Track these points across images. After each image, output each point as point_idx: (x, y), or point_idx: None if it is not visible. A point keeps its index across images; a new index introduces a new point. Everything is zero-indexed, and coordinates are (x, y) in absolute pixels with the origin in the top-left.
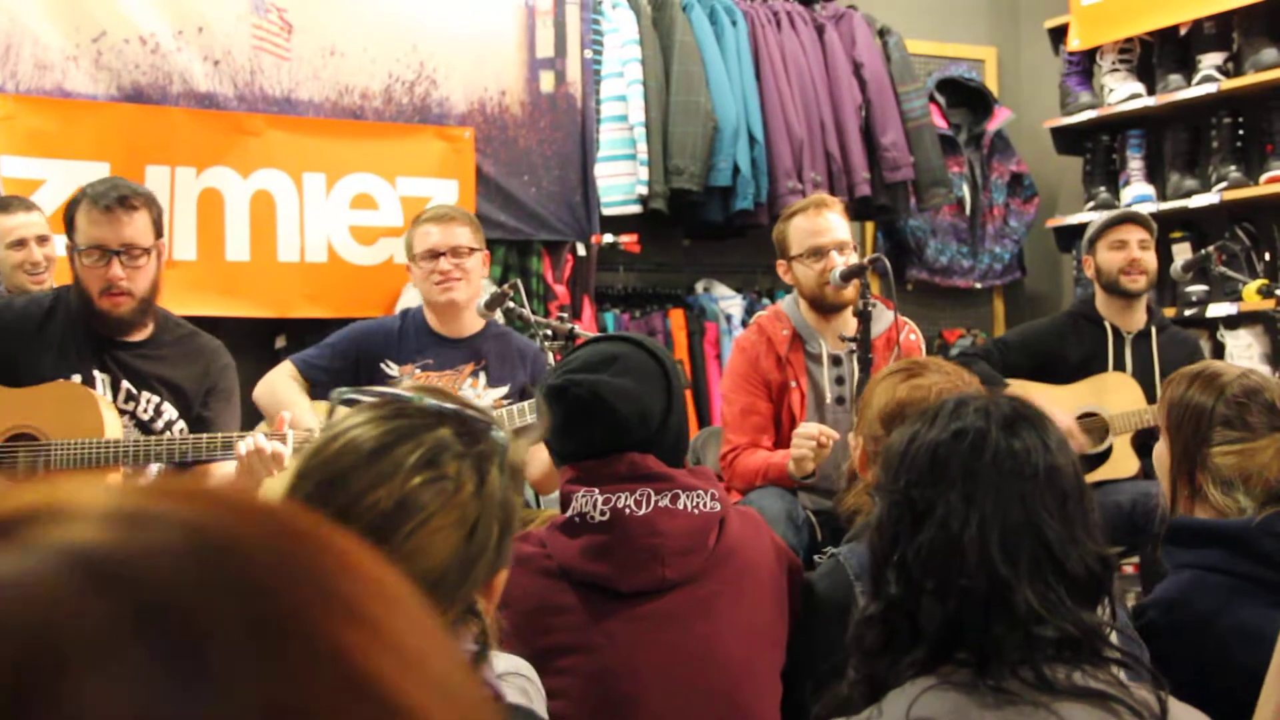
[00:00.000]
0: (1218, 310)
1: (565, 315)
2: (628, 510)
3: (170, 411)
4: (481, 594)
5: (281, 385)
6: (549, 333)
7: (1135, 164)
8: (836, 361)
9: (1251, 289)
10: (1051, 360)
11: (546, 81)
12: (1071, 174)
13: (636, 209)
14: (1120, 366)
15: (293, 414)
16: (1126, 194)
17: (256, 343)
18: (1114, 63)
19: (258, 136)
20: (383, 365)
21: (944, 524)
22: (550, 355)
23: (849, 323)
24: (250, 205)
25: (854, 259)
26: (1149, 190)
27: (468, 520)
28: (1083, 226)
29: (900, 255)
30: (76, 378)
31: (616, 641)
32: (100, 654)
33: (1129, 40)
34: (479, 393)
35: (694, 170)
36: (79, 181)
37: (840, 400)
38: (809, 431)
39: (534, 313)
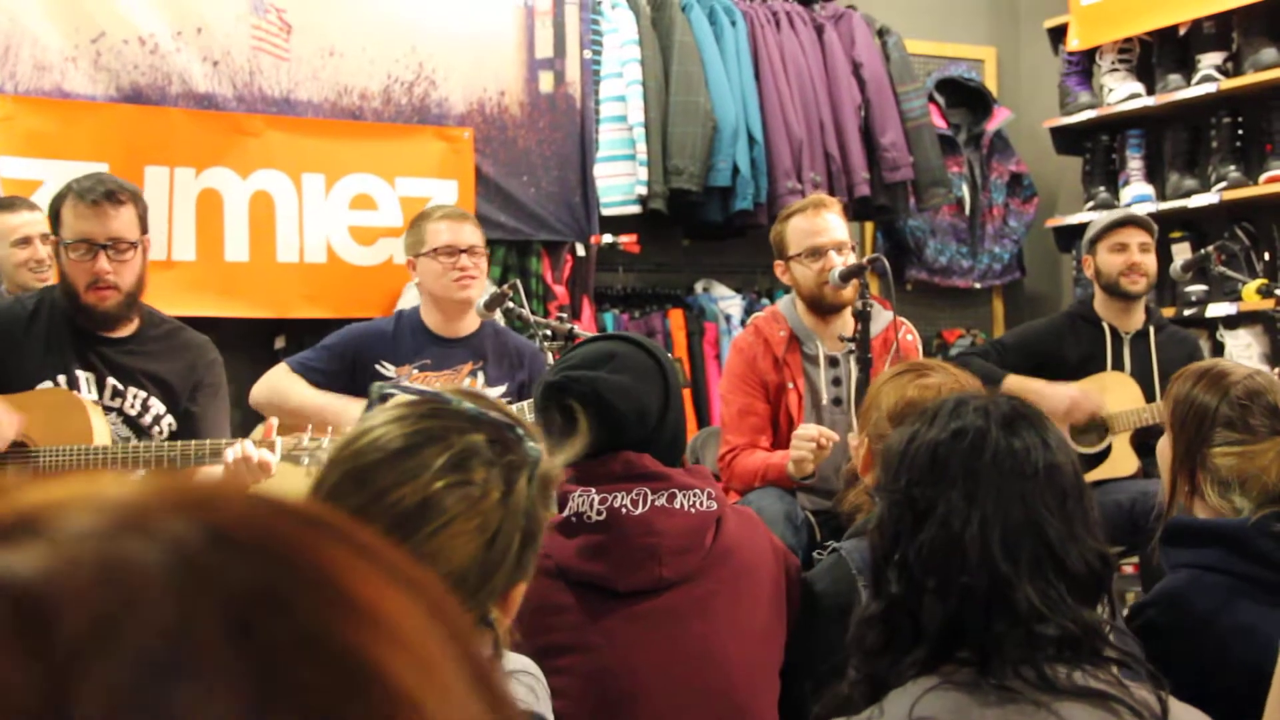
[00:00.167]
0: (1217, 310)
1: (564, 315)
2: (624, 510)
3: (158, 406)
4: (498, 605)
5: (283, 383)
6: (548, 333)
7: (1135, 164)
8: (833, 363)
9: (1251, 289)
10: (1050, 360)
11: (546, 82)
12: (1071, 174)
13: (636, 209)
14: (1119, 367)
15: (296, 403)
16: (1126, 194)
17: (255, 343)
18: (1113, 62)
19: (257, 137)
20: (379, 366)
21: (945, 522)
22: (549, 355)
23: (847, 324)
24: (249, 206)
25: (853, 259)
26: (1148, 190)
27: (489, 527)
28: (1082, 227)
29: (899, 255)
30: (61, 376)
31: (614, 641)
32: (106, 649)
33: (1128, 40)
34: None
35: (693, 170)
36: None
37: (837, 401)
38: (809, 433)
39: (533, 313)
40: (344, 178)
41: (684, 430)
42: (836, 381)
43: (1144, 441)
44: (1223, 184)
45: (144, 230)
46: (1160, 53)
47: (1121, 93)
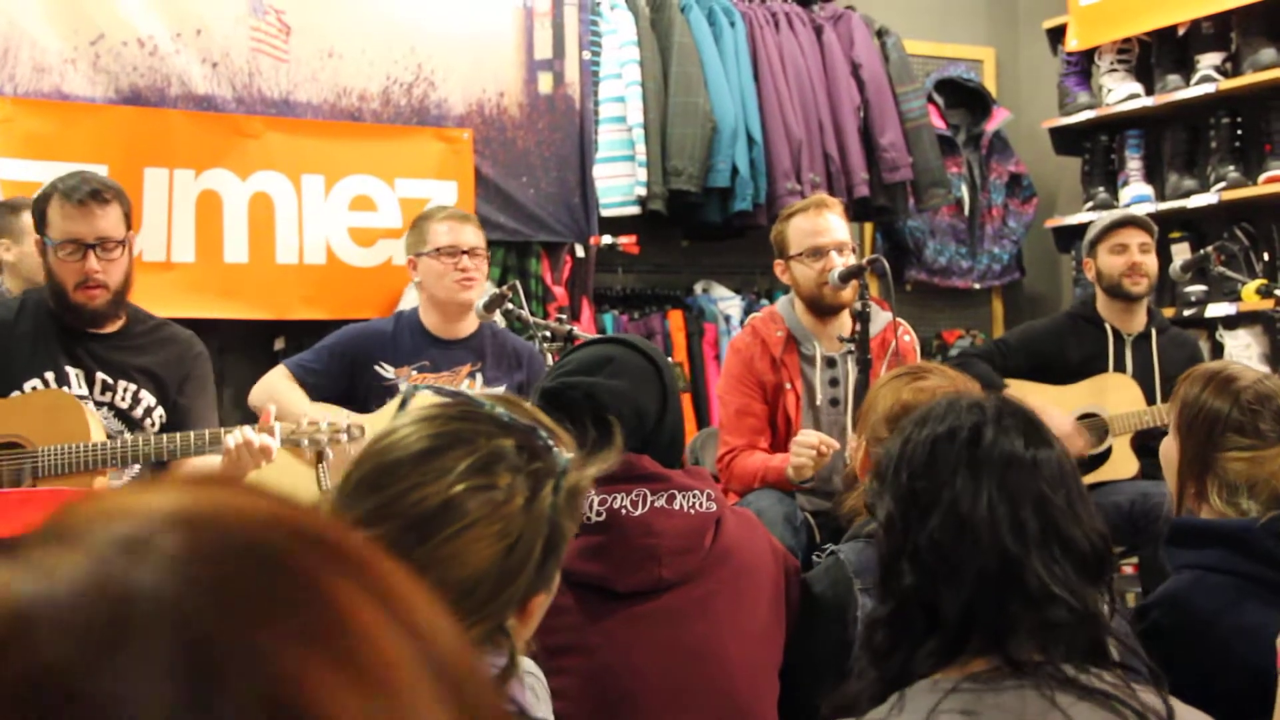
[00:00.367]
0: (1216, 310)
1: (564, 317)
2: (624, 510)
3: (148, 399)
4: (516, 615)
5: (280, 387)
6: (548, 334)
7: (1134, 164)
8: (831, 363)
9: (1250, 289)
10: (1052, 361)
11: (545, 83)
12: (1070, 174)
13: (635, 210)
14: (1121, 368)
15: (281, 407)
16: (1125, 194)
17: (255, 345)
18: (1112, 63)
19: (256, 138)
20: (378, 368)
21: (953, 507)
22: (549, 356)
23: (845, 324)
24: (249, 207)
25: (853, 260)
26: (1147, 190)
27: (510, 534)
28: (1081, 227)
29: (899, 256)
30: (49, 373)
31: (614, 641)
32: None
33: (1127, 40)
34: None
35: (692, 171)
36: None
37: (834, 402)
38: (809, 440)
39: (532, 314)
40: (343, 179)
41: (682, 432)
42: (834, 382)
43: (1144, 443)
44: (1222, 184)
45: (129, 227)
46: (1159, 53)
47: (1120, 93)
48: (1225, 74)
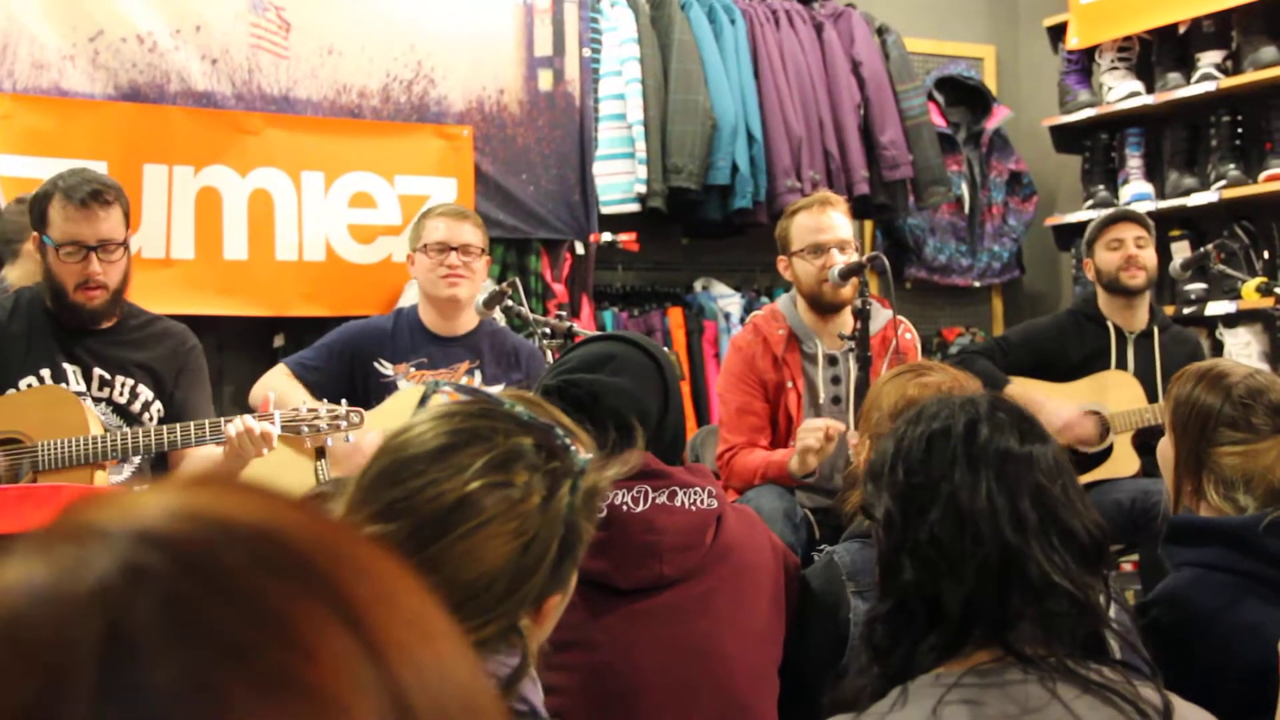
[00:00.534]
0: (1217, 308)
1: (564, 314)
2: (625, 507)
3: (146, 393)
4: (530, 616)
5: (281, 384)
6: (547, 331)
7: (1134, 162)
8: (832, 361)
9: (1250, 287)
10: (1053, 358)
11: (545, 80)
12: (1070, 172)
13: (635, 207)
14: (1123, 366)
15: (282, 404)
16: (1125, 192)
17: (254, 342)
18: (1113, 61)
19: (256, 135)
20: (377, 364)
21: (952, 500)
22: (549, 354)
23: (846, 322)
24: (248, 204)
25: (854, 258)
26: (1148, 188)
27: (526, 532)
28: (1081, 225)
29: (899, 254)
30: (45, 370)
31: (615, 637)
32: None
33: (1128, 38)
34: None
35: (692, 169)
36: None
37: (836, 400)
38: (816, 424)
39: (532, 311)
40: (343, 176)
41: (684, 429)
42: (835, 380)
43: (1145, 441)
44: (1222, 182)
45: (128, 226)
46: (1160, 51)
47: (1121, 91)
48: (1226, 72)
